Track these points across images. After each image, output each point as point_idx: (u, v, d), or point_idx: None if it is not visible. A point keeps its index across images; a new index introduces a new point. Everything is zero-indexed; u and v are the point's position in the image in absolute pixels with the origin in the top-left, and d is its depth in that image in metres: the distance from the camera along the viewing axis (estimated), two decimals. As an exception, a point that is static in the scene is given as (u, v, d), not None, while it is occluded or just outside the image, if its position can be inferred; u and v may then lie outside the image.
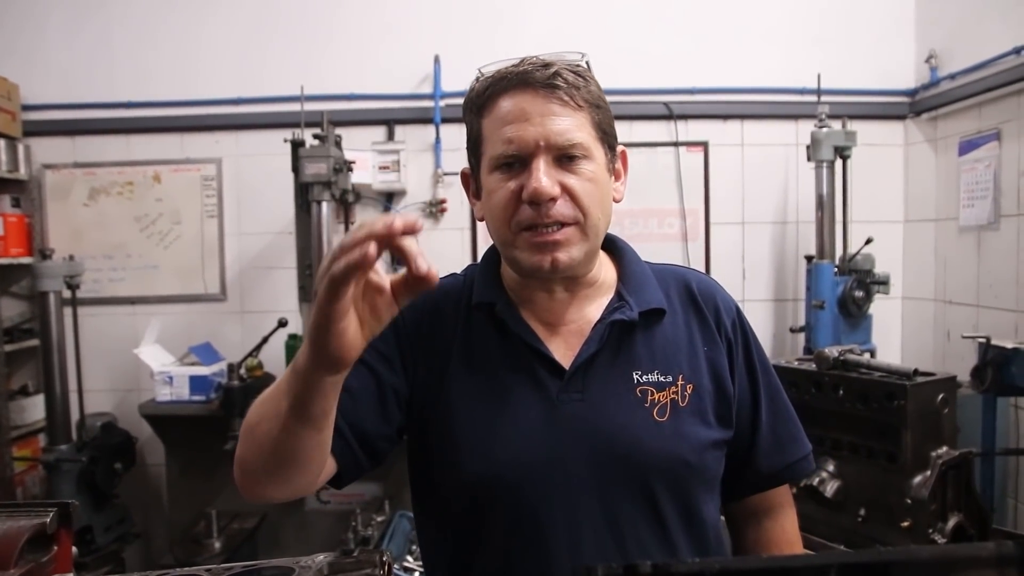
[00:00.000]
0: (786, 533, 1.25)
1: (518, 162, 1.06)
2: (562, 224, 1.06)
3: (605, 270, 1.19)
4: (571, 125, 1.05)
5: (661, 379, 1.12)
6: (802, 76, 3.62)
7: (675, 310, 1.18)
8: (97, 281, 3.73)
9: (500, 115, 1.07)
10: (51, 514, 1.09)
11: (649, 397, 1.11)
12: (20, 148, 3.68)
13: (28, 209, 3.76)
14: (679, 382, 1.12)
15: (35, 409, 3.58)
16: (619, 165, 1.16)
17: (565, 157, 1.05)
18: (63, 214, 3.78)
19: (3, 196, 3.66)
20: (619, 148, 1.15)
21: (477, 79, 1.14)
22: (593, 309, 1.15)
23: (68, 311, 3.33)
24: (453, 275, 1.24)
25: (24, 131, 3.72)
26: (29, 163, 3.74)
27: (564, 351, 1.13)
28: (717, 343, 1.17)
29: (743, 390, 1.18)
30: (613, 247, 1.23)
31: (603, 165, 1.09)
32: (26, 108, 3.73)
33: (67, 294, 3.31)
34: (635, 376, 1.11)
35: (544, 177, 1.04)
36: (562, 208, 1.05)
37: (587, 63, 1.14)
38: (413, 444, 1.18)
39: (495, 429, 1.09)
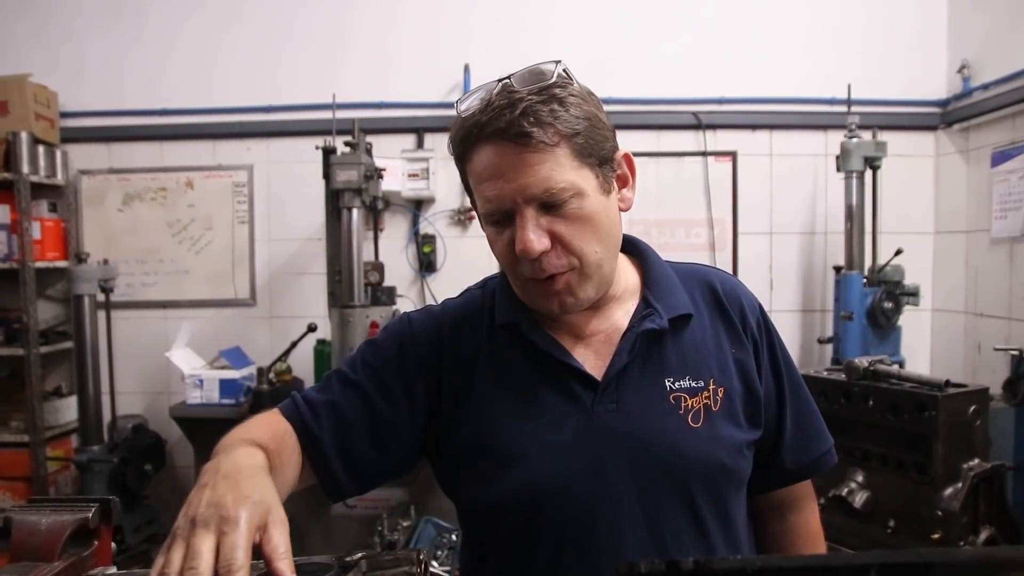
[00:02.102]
0: (810, 526, 1.26)
1: (505, 217, 1.03)
2: (559, 272, 1.03)
3: (627, 276, 1.17)
4: (547, 171, 0.99)
5: (693, 385, 1.11)
6: (832, 86, 3.61)
7: (702, 313, 1.16)
8: (130, 285, 3.79)
9: (477, 171, 1.03)
10: (93, 509, 1.11)
11: (683, 403, 1.10)
12: (58, 154, 3.77)
13: (64, 214, 3.84)
14: (711, 386, 1.11)
15: (68, 410, 3.65)
16: (623, 170, 1.10)
17: (549, 204, 1.00)
18: (98, 219, 3.85)
19: (40, 201, 3.74)
20: (619, 153, 1.09)
21: (457, 116, 1.07)
22: (620, 316, 1.14)
23: (102, 314, 3.39)
24: (470, 290, 1.22)
25: (62, 138, 3.81)
26: (66, 169, 3.82)
27: (595, 361, 1.12)
28: (744, 344, 1.16)
29: (769, 389, 1.18)
30: (634, 249, 1.21)
31: (595, 189, 1.03)
32: (64, 115, 3.82)
33: (101, 298, 3.37)
34: (667, 383, 1.10)
35: (530, 234, 0.99)
36: (554, 260, 1.02)
37: (563, 71, 1.03)
38: (448, 470, 1.16)
39: (534, 444, 1.09)
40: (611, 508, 1.07)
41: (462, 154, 1.05)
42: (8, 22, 3.83)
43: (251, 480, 0.83)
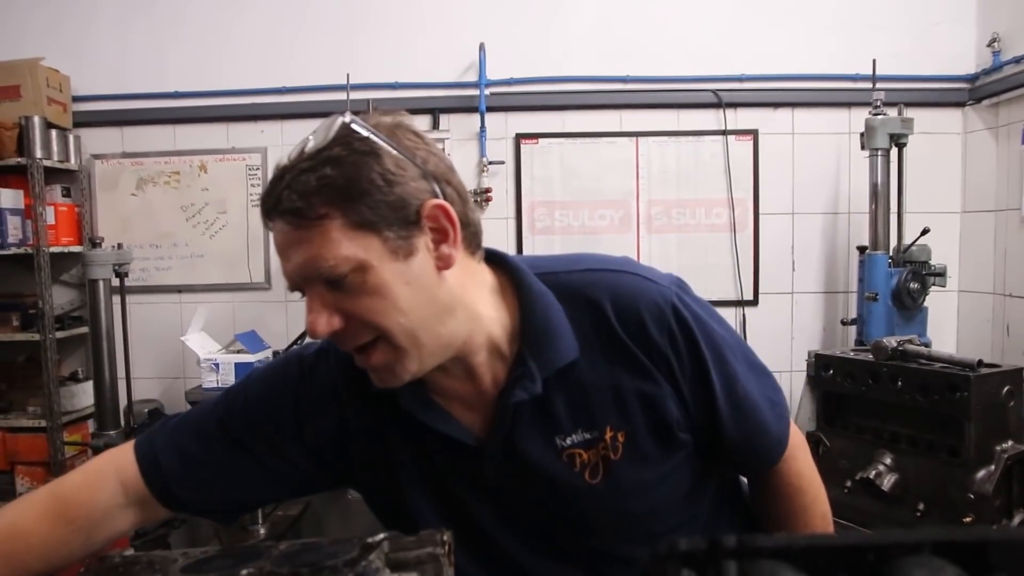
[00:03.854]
0: (806, 513, 1.18)
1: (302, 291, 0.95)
2: (367, 344, 0.94)
3: (498, 323, 1.02)
4: (316, 248, 0.89)
5: (587, 437, 1.01)
6: (856, 63, 3.53)
7: (591, 346, 1.01)
8: (144, 270, 3.77)
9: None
10: None
11: (578, 460, 1.01)
12: (71, 139, 3.74)
13: (78, 199, 3.82)
14: (607, 435, 1.01)
15: (84, 395, 3.64)
16: (440, 224, 0.94)
17: (330, 282, 0.90)
18: (112, 203, 3.83)
19: (54, 186, 3.71)
20: (430, 205, 0.92)
21: None
22: (498, 370, 1.03)
23: (117, 299, 3.36)
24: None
25: (75, 122, 3.77)
26: (79, 153, 3.79)
27: (482, 424, 1.04)
28: (647, 371, 1.02)
29: (696, 396, 1.05)
30: (512, 277, 1.04)
31: (384, 258, 0.90)
32: (76, 99, 3.78)
33: (116, 282, 3.35)
34: (557, 441, 1.02)
35: (313, 315, 0.91)
36: (354, 334, 0.93)
37: (347, 123, 0.91)
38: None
39: (446, 521, 1.02)
40: (537, 565, 1.06)
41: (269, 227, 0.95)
42: (20, 6, 3.79)
43: None
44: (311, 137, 0.91)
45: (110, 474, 1.08)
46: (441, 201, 0.93)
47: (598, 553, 1.05)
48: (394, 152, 0.91)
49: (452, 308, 0.96)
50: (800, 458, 1.17)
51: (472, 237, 0.99)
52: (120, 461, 1.09)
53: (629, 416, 1.02)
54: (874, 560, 0.47)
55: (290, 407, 1.09)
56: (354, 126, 0.90)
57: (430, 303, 0.94)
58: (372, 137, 0.90)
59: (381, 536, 0.82)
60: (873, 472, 2.37)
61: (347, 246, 0.89)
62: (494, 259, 1.06)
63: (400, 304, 0.92)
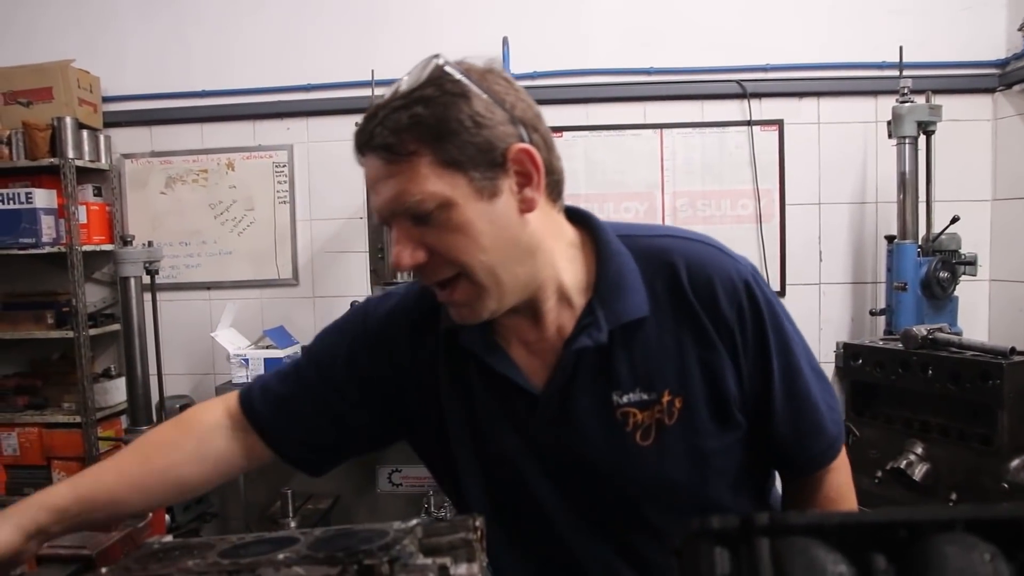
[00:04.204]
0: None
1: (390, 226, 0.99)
2: (450, 280, 0.97)
3: (572, 273, 1.04)
4: (403, 184, 0.93)
5: (644, 397, 1.01)
6: (882, 50, 3.49)
7: (661, 308, 1.03)
8: (174, 267, 3.82)
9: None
10: None
11: (631, 419, 1.02)
12: (101, 139, 3.79)
13: (109, 198, 3.88)
14: (664, 398, 1.01)
15: (117, 392, 3.70)
16: (524, 168, 0.97)
17: (417, 217, 0.94)
18: (142, 202, 3.89)
19: (85, 185, 3.78)
20: (515, 149, 0.95)
21: None
22: (565, 319, 1.04)
23: (147, 296, 3.42)
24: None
25: (104, 122, 3.83)
26: (109, 153, 3.85)
27: (541, 371, 1.05)
28: (712, 342, 1.02)
29: (753, 378, 1.04)
30: (592, 234, 1.07)
31: (469, 197, 0.93)
32: (106, 100, 3.84)
33: (146, 280, 3.40)
34: (614, 397, 1.02)
35: (398, 247, 0.96)
36: (435, 270, 0.97)
37: (441, 65, 0.94)
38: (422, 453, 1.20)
39: (482, 462, 1.07)
40: (569, 526, 1.06)
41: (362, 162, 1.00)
42: (50, 9, 3.86)
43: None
44: (404, 78, 0.95)
45: (219, 402, 1.21)
46: (527, 145, 0.96)
47: (634, 519, 1.04)
48: (484, 96, 0.94)
49: (531, 251, 0.99)
50: (843, 474, 1.16)
51: (555, 185, 1.03)
52: (229, 396, 1.21)
53: (689, 383, 1.02)
54: (907, 537, 0.46)
55: (347, 348, 1.15)
56: (447, 68, 0.94)
57: (511, 244, 0.97)
58: (463, 80, 0.93)
59: (414, 522, 0.83)
60: (904, 462, 2.36)
61: (434, 183, 0.92)
62: (576, 216, 1.09)
63: (482, 242, 0.94)
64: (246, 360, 3.36)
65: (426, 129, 0.92)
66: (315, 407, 1.15)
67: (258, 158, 3.81)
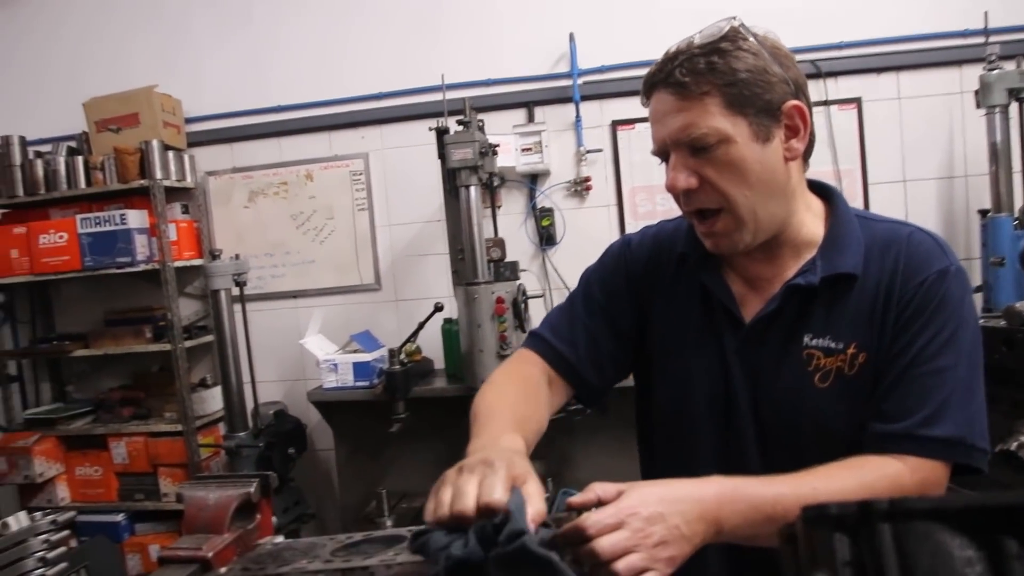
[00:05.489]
0: None
1: (665, 157, 1.14)
2: (712, 212, 1.11)
3: (812, 227, 1.18)
4: (693, 117, 1.07)
5: (831, 345, 1.11)
6: (964, 17, 3.37)
7: (870, 275, 1.13)
8: (261, 278, 3.94)
9: (649, 115, 1.14)
10: (254, 484, 1.17)
11: (814, 361, 1.12)
12: (186, 158, 3.94)
13: (196, 214, 4.02)
14: (850, 350, 1.10)
15: (214, 400, 3.83)
16: (793, 122, 1.11)
17: (697, 148, 1.08)
18: (226, 217, 4.02)
19: (174, 204, 3.93)
20: (789, 104, 1.09)
21: None
22: (791, 266, 1.17)
23: (237, 308, 3.53)
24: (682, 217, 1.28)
25: (188, 142, 3.98)
26: (194, 171, 3.99)
27: (754, 306, 1.19)
28: (903, 311, 1.10)
29: (899, 356, 1.08)
30: (830, 200, 1.22)
31: (747, 137, 1.08)
32: (188, 120, 3.99)
33: (235, 291, 3.51)
34: (805, 338, 1.13)
35: (675, 172, 1.10)
36: (702, 197, 1.10)
37: (737, 26, 1.09)
38: (636, 377, 1.36)
39: (681, 376, 1.22)
40: (736, 447, 1.17)
41: (646, 101, 1.15)
42: (133, 39, 4.03)
43: (514, 456, 0.91)
44: (697, 34, 1.09)
45: (524, 356, 1.33)
46: (800, 102, 1.11)
47: (791, 461, 1.02)
48: (767, 56, 1.08)
49: (787, 195, 1.13)
50: (915, 478, 1.06)
51: (808, 148, 1.16)
52: (523, 351, 1.34)
53: (876, 343, 1.10)
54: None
55: (623, 269, 1.33)
56: (741, 29, 1.09)
57: (773, 185, 1.11)
58: (753, 40, 1.09)
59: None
60: (1015, 443, 2.26)
61: (720, 121, 1.07)
62: (817, 188, 1.23)
63: (750, 179, 1.09)
64: (335, 365, 3.44)
65: (719, 75, 1.06)
66: (600, 326, 1.30)
67: (335, 168, 3.89)
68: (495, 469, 0.82)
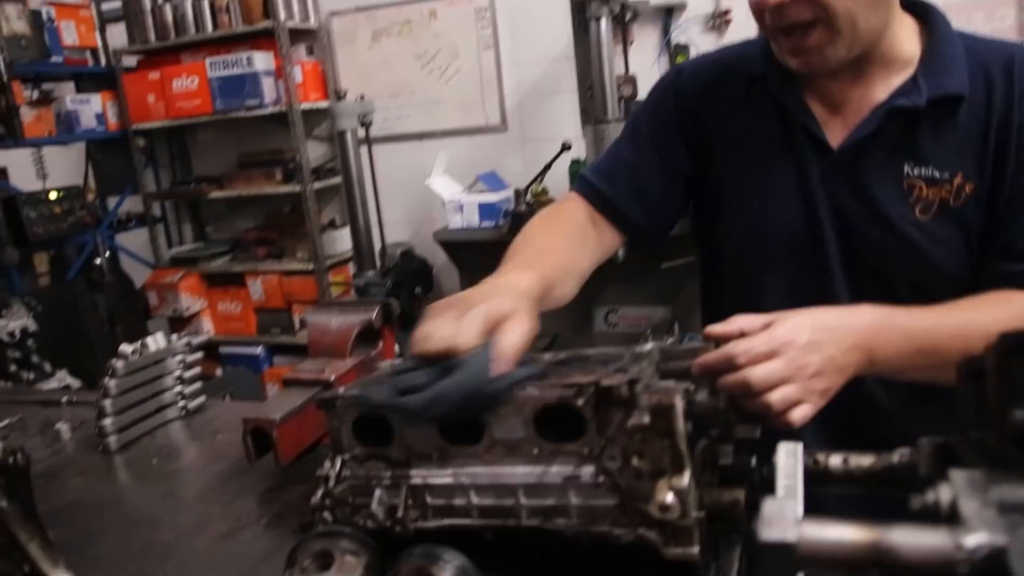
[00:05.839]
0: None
1: None
2: (801, 26, 0.96)
3: (904, 43, 1.04)
4: None
5: (935, 174, 1.01)
6: None
7: (980, 96, 1.01)
8: (386, 119, 3.91)
9: None
10: (376, 310, 1.16)
11: (916, 192, 1.02)
12: (309, -1, 3.88)
13: (320, 56, 4.00)
14: (956, 180, 1.01)
15: (343, 240, 3.92)
16: None
17: None
18: (351, 57, 3.98)
19: (298, 46, 3.91)
20: None
21: None
22: (881, 88, 1.04)
23: (364, 149, 3.53)
24: (753, 40, 1.16)
25: (312, -20, 3.91)
26: (318, 12, 3.94)
27: (840, 131, 1.06)
28: (1014, 137, 0.99)
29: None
30: (926, 17, 1.07)
31: None
32: (312, -42, 3.89)
33: (361, 133, 3.50)
34: (906, 167, 1.02)
35: None
36: (798, 9, 0.95)
37: None
38: (697, 206, 1.25)
39: (755, 208, 1.12)
40: (818, 285, 1.08)
41: None
42: None
43: (504, 295, 0.85)
44: None
45: (571, 200, 1.24)
46: None
47: (881, 297, 0.96)
48: None
49: (886, 7, 1.00)
50: None
51: None
52: (570, 195, 1.26)
53: (986, 172, 1.00)
54: None
55: (671, 99, 1.21)
56: None
57: None
58: None
59: (650, 346, 0.79)
60: None
61: None
62: (910, 5, 1.08)
63: None
64: (461, 205, 3.42)
65: None
66: (648, 161, 1.21)
67: (460, 5, 3.75)
68: (473, 312, 0.77)
